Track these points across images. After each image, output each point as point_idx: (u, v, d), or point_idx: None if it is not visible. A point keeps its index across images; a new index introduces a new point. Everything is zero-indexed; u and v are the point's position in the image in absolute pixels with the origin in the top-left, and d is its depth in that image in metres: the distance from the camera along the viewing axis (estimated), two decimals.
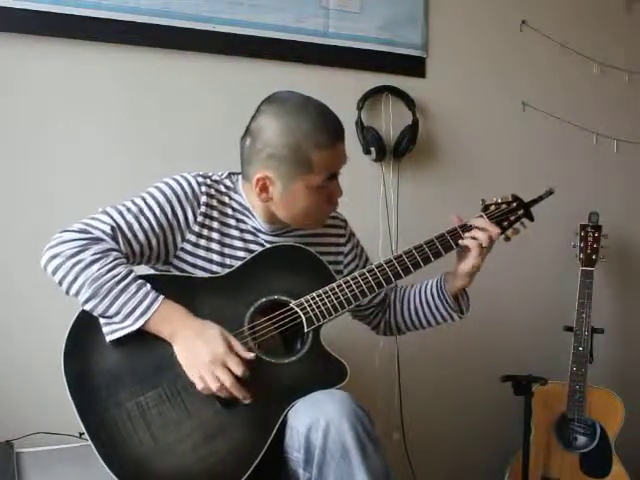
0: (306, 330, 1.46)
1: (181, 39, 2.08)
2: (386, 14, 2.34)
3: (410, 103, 2.36)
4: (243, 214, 1.55)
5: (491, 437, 2.50)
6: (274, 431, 1.37)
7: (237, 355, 1.34)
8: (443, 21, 2.44)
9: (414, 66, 2.41)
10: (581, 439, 2.34)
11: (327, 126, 1.45)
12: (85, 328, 1.37)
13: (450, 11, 2.46)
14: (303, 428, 1.32)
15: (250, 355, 1.36)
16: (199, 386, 1.34)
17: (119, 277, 1.35)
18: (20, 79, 1.95)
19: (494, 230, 1.59)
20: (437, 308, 1.70)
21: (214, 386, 1.32)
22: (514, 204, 1.69)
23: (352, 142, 2.27)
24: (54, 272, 1.37)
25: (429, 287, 1.72)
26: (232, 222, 1.53)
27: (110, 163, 2.03)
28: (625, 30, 2.73)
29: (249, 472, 1.33)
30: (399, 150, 2.34)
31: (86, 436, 1.31)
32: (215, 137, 2.11)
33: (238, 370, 1.33)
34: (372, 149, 2.29)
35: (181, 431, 1.33)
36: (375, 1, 2.32)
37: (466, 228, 1.62)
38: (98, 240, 1.38)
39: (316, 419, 1.30)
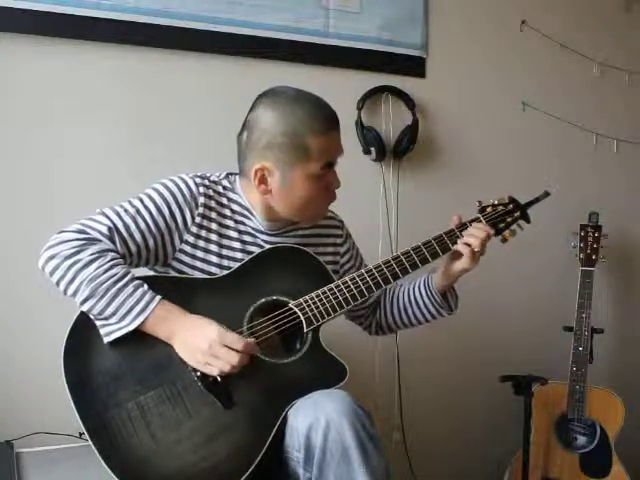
0: (305, 330, 1.46)
1: (181, 39, 2.08)
2: (386, 14, 2.34)
3: (410, 103, 2.36)
4: (242, 215, 1.55)
5: (491, 437, 2.50)
6: (274, 431, 1.37)
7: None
8: (443, 21, 2.44)
9: (414, 66, 2.41)
10: (581, 439, 2.34)
11: (322, 113, 1.46)
12: (85, 328, 1.37)
13: (450, 11, 2.46)
14: (303, 428, 1.32)
15: (249, 340, 1.37)
16: (213, 373, 1.34)
17: (116, 277, 1.35)
18: (20, 79, 1.95)
19: (486, 234, 1.59)
20: (425, 306, 1.71)
21: (224, 366, 1.33)
22: (510, 206, 1.69)
23: (352, 142, 2.28)
24: (52, 273, 1.37)
25: (417, 286, 1.72)
26: (231, 223, 1.53)
27: (110, 163, 2.03)
28: (625, 30, 2.73)
29: (249, 472, 1.33)
30: (399, 150, 2.34)
31: (86, 436, 1.31)
32: (215, 137, 2.10)
33: (239, 344, 1.34)
34: (372, 149, 2.29)
35: (181, 431, 1.34)
36: (375, 1, 2.32)
37: (464, 229, 1.62)
38: (95, 241, 1.38)
39: (316, 419, 1.30)
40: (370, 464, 1.30)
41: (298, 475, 1.36)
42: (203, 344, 1.34)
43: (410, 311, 1.74)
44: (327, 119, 1.47)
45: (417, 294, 1.71)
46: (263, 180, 1.48)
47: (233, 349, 1.34)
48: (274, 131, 1.44)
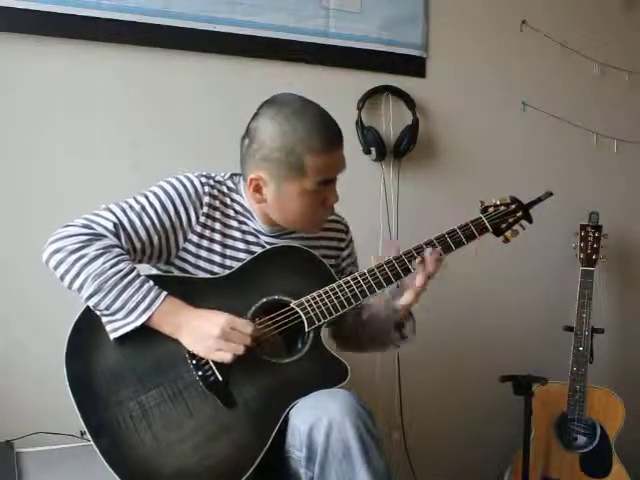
0: (307, 330, 1.46)
1: (181, 39, 2.08)
2: (386, 14, 2.34)
3: (410, 103, 2.36)
4: (245, 216, 1.55)
5: (491, 437, 2.50)
6: (275, 430, 1.37)
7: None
8: (443, 21, 2.44)
9: (414, 66, 2.41)
10: (581, 439, 2.34)
11: (322, 132, 1.43)
12: (88, 326, 1.37)
13: (450, 11, 2.46)
14: (305, 427, 1.32)
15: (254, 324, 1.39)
16: (225, 359, 1.35)
17: (123, 273, 1.35)
18: (21, 79, 1.95)
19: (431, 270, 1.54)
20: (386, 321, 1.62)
21: (238, 349, 1.34)
22: (513, 206, 1.69)
23: (352, 142, 2.27)
24: (56, 267, 1.36)
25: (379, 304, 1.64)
26: (234, 223, 1.54)
27: (110, 162, 2.03)
28: (625, 30, 2.73)
29: (250, 471, 1.33)
30: (399, 150, 2.34)
31: (87, 435, 1.31)
32: (215, 137, 2.11)
33: (247, 328, 1.36)
34: (372, 149, 2.29)
35: (182, 430, 1.33)
36: (375, 1, 2.32)
37: (467, 231, 1.61)
38: (101, 236, 1.39)
39: (318, 418, 1.30)
40: (372, 463, 1.30)
41: (300, 474, 1.36)
42: (214, 330, 1.35)
43: (369, 329, 1.65)
44: (328, 137, 1.44)
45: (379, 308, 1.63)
46: (258, 189, 1.47)
47: (243, 332, 1.35)
48: (271, 145, 1.42)
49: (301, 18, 2.22)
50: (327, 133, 1.44)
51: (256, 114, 1.49)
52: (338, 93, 2.23)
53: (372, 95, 2.33)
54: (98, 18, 1.98)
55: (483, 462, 2.50)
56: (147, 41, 2.05)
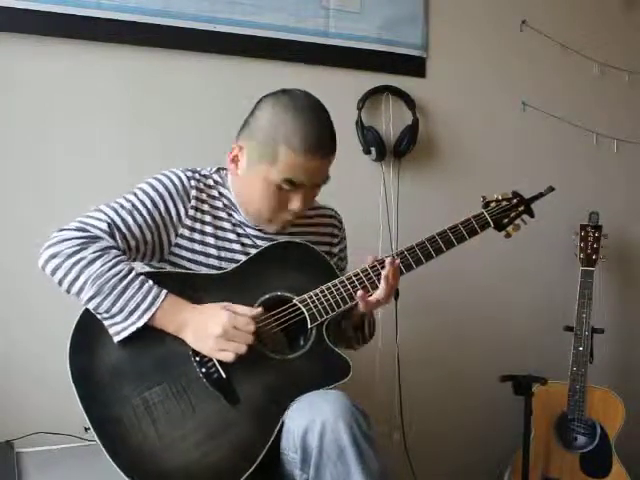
0: (309, 326, 1.46)
1: (181, 39, 2.08)
2: (386, 14, 2.34)
3: (410, 103, 2.36)
4: (231, 209, 1.56)
5: (491, 437, 2.50)
6: (277, 427, 1.37)
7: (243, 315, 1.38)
8: (443, 21, 2.44)
9: (414, 66, 2.41)
10: (581, 439, 2.34)
11: (311, 135, 1.42)
12: (92, 323, 1.37)
13: (450, 11, 2.46)
14: (299, 429, 1.31)
15: (256, 311, 1.39)
16: (229, 359, 1.35)
17: (122, 274, 1.36)
18: (21, 79, 1.95)
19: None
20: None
21: (240, 349, 1.35)
22: (514, 200, 1.71)
23: (352, 142, 2.28)
24: (53, 272, 1.36)
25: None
26: (224, 215, 1.54)
27: (110, 162, 2.03)
28: (625, 30, 2.73)
29: (252, 469, 1.33)
30: (399, 150, 2.34)
31: (91, 431, 1.31)
32: (215, 137, 2.10)
33: (249, 327, 1.36)
34: (372, 149, 2.29)
35: (185, 427, 1.33)
36: (375, 1, 2.32)
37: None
38: (96, 238, 1.39)
39: (312, 420, 1.30)
40: (367, 464, 1.29)
41: (295, 476, 1.36)
42: (216, 329, 1.35)
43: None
44: (313, 142, 1.42)
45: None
46: (235, 160, 1.50)
47: (245, 330, 1.36)
48: (260, 125, 1.45)
49: (301, 18, 2.23)
50: (315, 138, 1.43)
51: (267, 96, 1.51)
52: (338, 93, 2.23)
53: (372, 95, 2.33)
54: (98, 18, 1.98)
55: (483, 462, 2.50)
56: (147, 41, 2.05)
